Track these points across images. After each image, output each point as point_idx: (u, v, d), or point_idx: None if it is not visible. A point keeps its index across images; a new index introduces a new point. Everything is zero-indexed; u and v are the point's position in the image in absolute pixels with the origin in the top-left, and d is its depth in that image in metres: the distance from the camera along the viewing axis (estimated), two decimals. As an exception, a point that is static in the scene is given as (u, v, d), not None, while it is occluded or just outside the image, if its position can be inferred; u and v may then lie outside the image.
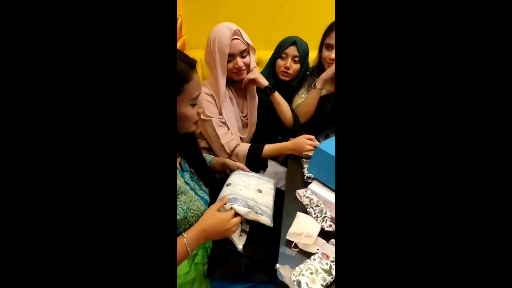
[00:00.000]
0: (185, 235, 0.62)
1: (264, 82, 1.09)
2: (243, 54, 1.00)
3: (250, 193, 0.74)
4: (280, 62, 1.25)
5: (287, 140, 1.10)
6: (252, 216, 0.68)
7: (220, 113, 1.06)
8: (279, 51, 1.25)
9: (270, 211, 0.72)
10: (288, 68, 1.23)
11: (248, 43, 1.01)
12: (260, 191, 0.78)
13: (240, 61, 1.00)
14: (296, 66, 1.24)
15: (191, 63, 0.65)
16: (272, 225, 0.70)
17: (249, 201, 0.70)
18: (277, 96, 1.14)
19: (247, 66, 1.03)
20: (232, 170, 0.90)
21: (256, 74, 1.07)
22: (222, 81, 1.01)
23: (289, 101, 1.27)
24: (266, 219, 0.69)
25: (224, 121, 1.06)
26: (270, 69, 1.31)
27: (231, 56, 0.99)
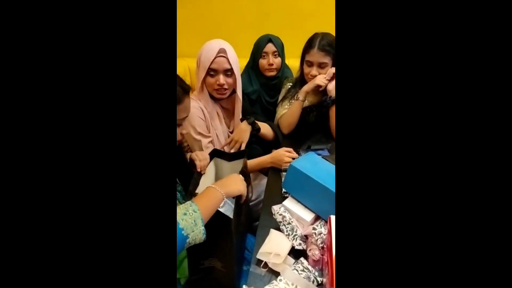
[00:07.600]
0: (212, 185, 0.68)
1: (245, 142, 1.10)
2: (227, 72, 0.98)
3: None
4: (262, 61, 1.35)
5: (269, 151, 1.11)
6: None
7: (209, 129, 1.07)
8: (258, 51, 1.36)
9: None
10: (271, 64, 1.34)
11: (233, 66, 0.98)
12: None
13: (222, 79, 0.97)
14: (278, 60, 1.36)
15: (185, 88, 0.74)
16: None
17: None
18: (261, 130, 1.16)
19: (230, 86, 1.01)
20: None
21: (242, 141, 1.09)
22: (203, 96, 1.03)
23: (277, 93, 1.37)
24: None
25: (211, 140, 1.07)
26: (251, 71, 1.40)
27: (215, 72, 0.97)
